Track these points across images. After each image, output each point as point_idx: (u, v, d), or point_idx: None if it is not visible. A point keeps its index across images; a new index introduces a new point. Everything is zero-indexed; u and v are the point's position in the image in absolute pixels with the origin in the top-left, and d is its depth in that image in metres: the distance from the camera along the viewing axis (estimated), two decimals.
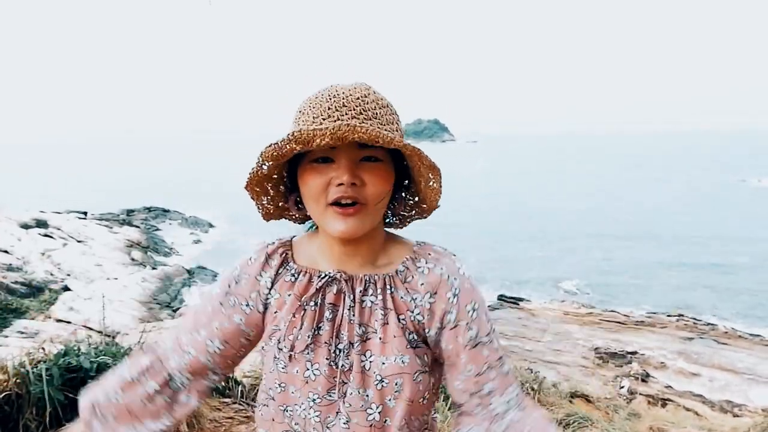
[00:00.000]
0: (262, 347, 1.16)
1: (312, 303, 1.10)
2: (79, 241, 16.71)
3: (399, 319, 1.07)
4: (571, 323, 10.38)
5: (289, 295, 1.12)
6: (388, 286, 1.09)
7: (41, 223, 17.09)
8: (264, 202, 1.15)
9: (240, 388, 3.64)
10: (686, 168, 71.44)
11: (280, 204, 1.17)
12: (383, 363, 1.06)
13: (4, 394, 2.84)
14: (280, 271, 1.14)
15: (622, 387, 7.21)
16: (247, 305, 1.14)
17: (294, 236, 1.21)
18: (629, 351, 8.50)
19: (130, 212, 27.82)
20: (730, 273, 20.53)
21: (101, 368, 3.03)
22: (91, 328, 10.12)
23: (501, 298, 13.26)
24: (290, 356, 1.09)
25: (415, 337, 1.08)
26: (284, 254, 1.16)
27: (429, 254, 1.11)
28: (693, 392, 6.99)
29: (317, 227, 1.16)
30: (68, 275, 13.93)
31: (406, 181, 1.14)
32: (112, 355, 3.09)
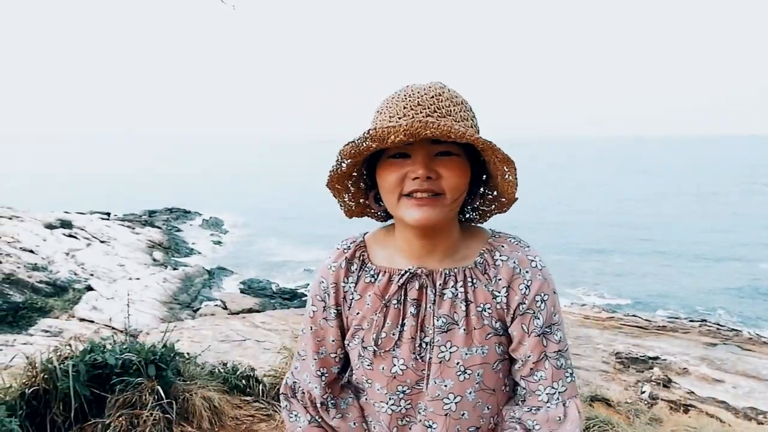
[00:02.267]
0: (347, 344, 1.21)
1: (395, 300, 1.13)
2: (102, 242, 16.96)
3: (483, 309, 1.11)
4: (592, 327, 10.27)
5: (370, 295, 1.15)
6: (468, 279, 1.12)
7: (66, 224, 17.37)
8: (345, 199, 1.19)
9: (261, 387, 3.67)
10: (711, 173, 70.23)
11: (361, 200, 1.21)
12: (466, 354, 1.09)
13: (32, 389, 2.90)
14: (360, 274, 1.18)
15: (644, 392, 7.12)
16: (340, 310, 1.20)
17: (365, 234, 1.24)
18: (651, 356, 8.38)
19: (152, 213, 28.17)
20: (755, 279, 20.16)
21: (126, 365, 3.08)
22: (113, 327, 10.26)
23: None
24: (375, 353, 1.13)
25: (501, 325, 1.12)
26: (361, 256, 1.20)
27: (503, 246, 1.14)
28: (716, 398, 6.87)
29: (392, 224, 1.20)
30: (91, 275, 14.14)
31: (484, 176, 1.16)
32: (136, 353, 3.14)
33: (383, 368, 1.12)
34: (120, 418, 2.91)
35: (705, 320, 10.64)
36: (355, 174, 1.16)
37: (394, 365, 1.11)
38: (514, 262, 1.11)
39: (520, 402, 1.14)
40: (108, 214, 24.27)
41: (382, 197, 1.11)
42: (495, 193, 1.17)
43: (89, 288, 13.04)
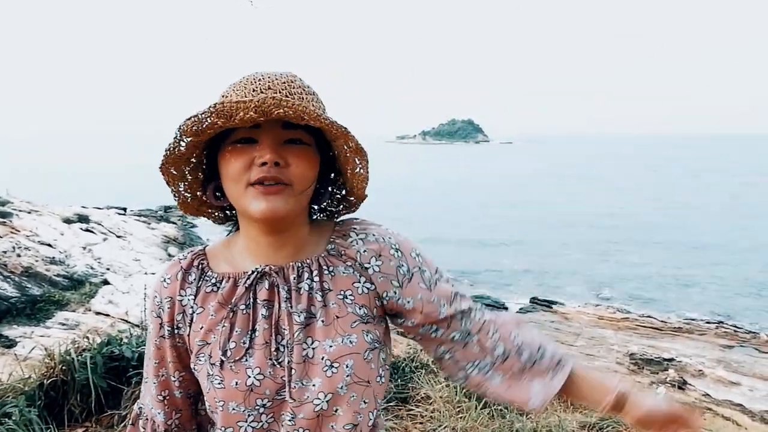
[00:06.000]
0: (194, 368, 1.07)
1: (242, 305, 1.03)
2: (118, 237, 17.12)
3: (344, 297, 1.04)
4: (606, 328, 10.20)
5: (213, 304, 1.05)
6: (324, 267, 1.05)
7: (83, 218, 17.54)
8: (181, 189, 1.08)
9: None
10: (735, 173, 69.30)
11: (198, 193, 1.11)
12: (330, 346, 1.00)
13: (50, 380, 2.95)
14: (200, 284, 1.08)
15: (658, 394, 7.07)
16: (178, 328, 1.09)
17: (206, 246, 1.15)
18: (666, 358, 8.31)
19: (167, 209, 28.41)
20: None
21: (142, 358, 3.12)
22: (129, 321, 10.36)
23: (533, 300, 13.08)
24: (222, 364, 1.00)
25: (366, 311, 1.05)
26: (200, 265, 1.09)
27: (354, 227, 1.09)
28: (732, 401, 6.80)
29: (236, 229, 1.14)
30: (108, 269, 14.27)
31: (332, 175, 1.11)
32: None
33: (237, 383, 0.99)
34: None
35: (722, 322, 10.54)
36: (194, 160, 1.05)
37: (249, 376, 0.99)
38: (374, 234, 1.08)
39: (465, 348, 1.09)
40: (124, 209, 24.51)
41: (225, 188, 1.01)
42: (344, 192, 1.13)
43: (105, 282, 13.15)
